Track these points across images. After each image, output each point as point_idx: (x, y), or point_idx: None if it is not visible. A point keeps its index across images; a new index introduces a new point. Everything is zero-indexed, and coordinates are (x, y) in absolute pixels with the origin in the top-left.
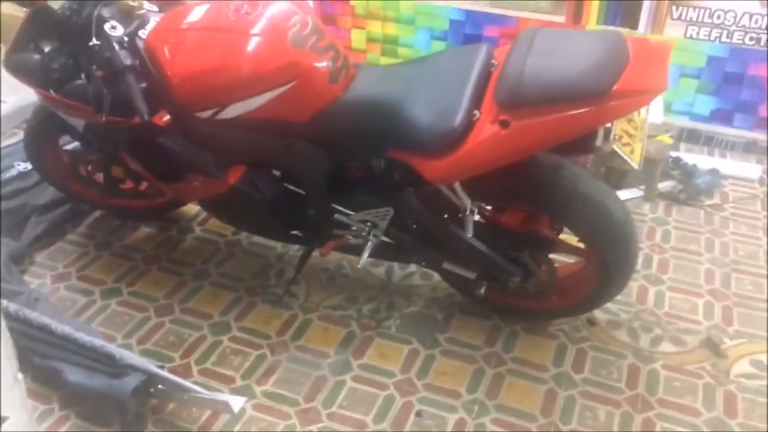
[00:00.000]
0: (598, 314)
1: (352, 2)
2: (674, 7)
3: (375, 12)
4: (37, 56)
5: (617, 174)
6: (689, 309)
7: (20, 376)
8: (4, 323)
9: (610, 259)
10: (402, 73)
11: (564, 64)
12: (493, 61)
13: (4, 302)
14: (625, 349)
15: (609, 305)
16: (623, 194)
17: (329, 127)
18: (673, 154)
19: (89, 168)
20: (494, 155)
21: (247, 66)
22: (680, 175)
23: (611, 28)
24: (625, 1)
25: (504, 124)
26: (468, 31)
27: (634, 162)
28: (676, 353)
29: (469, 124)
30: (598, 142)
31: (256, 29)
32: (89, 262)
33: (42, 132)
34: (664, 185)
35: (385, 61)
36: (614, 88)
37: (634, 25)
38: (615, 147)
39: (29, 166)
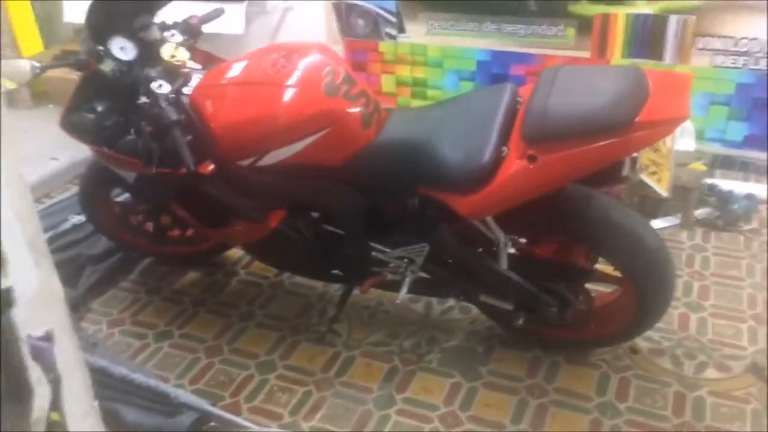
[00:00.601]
0: (640, 342)
1: (381, 49)
2: (699, 38)
3: (403, 57)
4: (90, 116)
5: (652, 203)
6: (733, 335)
7: (96, 403)
8: (81, 354)
9: (646, 287)
10: (431, 115)
11: (586, 99)
12: (518, 99)
13: None
14: (670, 377)
15: (651, 333)
16: (659, 223)
17: (364, 169)
18: (708, 180)
19: (139, 218)
20: (523, 189)
21: (284, 115)
22: (716, 201)
23: (636, 61)
24: (648, 33)
25: (531, 159)
26: (495, 70)
27: (663, 190)
28: (722, 379)
29: (497, 160)
30: (625, 172)
31: (292, 81)
32: (142, 308)
33: (95, 186)
34: (700, 212)
35: (415, 103)
36: (637, 118)
37: (659, 57)
38: (642, 176)
39: (83, 218)
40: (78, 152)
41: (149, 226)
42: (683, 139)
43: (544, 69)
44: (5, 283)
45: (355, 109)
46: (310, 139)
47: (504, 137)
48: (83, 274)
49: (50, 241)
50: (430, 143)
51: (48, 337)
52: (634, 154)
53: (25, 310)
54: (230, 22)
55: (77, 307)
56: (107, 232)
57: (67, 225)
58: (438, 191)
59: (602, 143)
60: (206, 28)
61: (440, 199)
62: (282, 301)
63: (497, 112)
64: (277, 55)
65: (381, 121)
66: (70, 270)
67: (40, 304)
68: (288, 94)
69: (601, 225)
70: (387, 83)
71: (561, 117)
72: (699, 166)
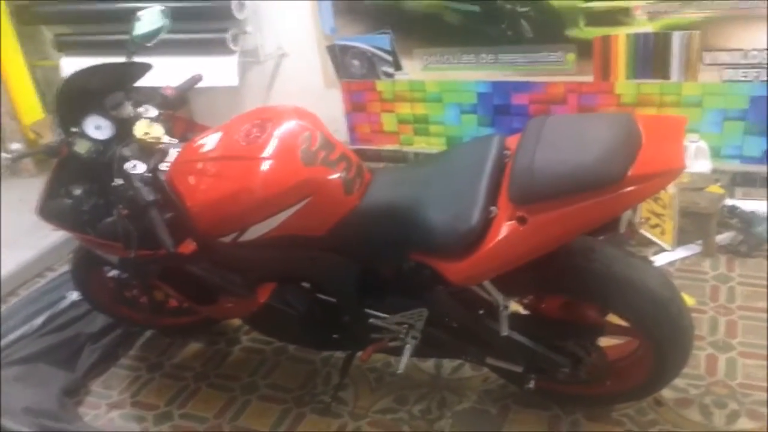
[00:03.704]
0: (665, 393)
1: (378, 88)
2: (705, 53)
3: (402, 94)
4: (68, 201)
5: None
6: (765, 376)
7: None
8: None
9: (661, 340)
10: (416, 175)
11: (574, 154)
12: (506, 151)
13: None
14: (700, 430)
15: (676, 380)
16: (680, 252)
17: (349, 237)
18: (729, 202)
19: (134, 292)
20: (516, 253)
21: (261, 189)
22: (739, 224)
23: (642, 81)
24: (652, 52)
25: (521, 220)
26: (496, 101)
27: (666, 243)
28: (757, 430)
29: (486, 222)
30: (623, 225)
31: (267, 152)
32: (142, 386)
33: (86, 263)
34: (722, 237)
35: (418, 140)
36: (629, 173)
37: (665, 76)
38: (642, 231)
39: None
40: None
41: (145, 299)
42: (698, 161)
43: (529, 120)
44: None
45: (335, 176)
46: (290, 211)
47: (492, 196)
48: (83, 354)
49: (48, 320)
50: (415, 207)
51: None
52: None
53: None
54: (223, 75)
55: (77, 391)
56: (103, 308)
57: (65, 303)
58: (427, 257)
59: (594, 201)
60: (200, 83)
61: (430, 264)
62: (285, 369)
63: (484, 168)
64: (251, 125)
65: (364, 185)
66: (69, 351)
67: None
68: (264, 167)
69: (604, 279)
70: (388, 122)
71: (548, 175)
72: (716, 189)
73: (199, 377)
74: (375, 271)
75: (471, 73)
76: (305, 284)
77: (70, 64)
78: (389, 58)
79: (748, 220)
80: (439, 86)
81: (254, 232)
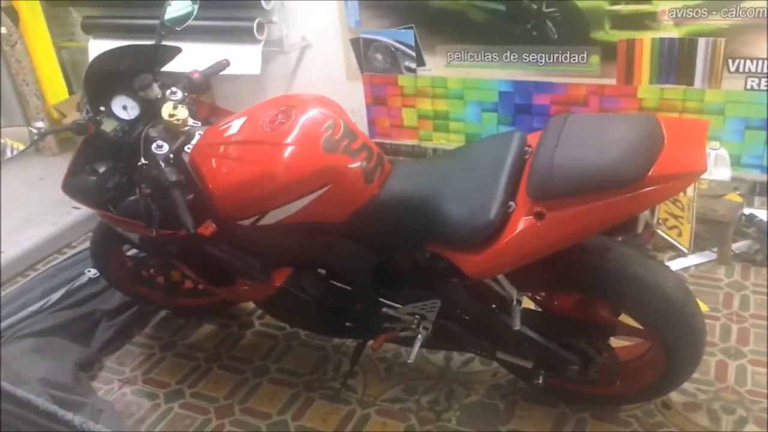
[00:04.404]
0: (673, 396)
1: (400, 83)
2: (730, 61)
3: (423, 90)
4: (92, 178)
5: None
6: None
7: None
8: None
9: (673, 342)
10: (436, 168)
11: (595, 153)
12: (526, 148)
13: (70, 415)
14: None
15: (685, 385)
16: (694, 258)
17: (367, 226)
18: (747, 211)
19: (151, 271)
20: (532, 248)
21: (283, 175)
22: (756, 233)
23: (665, 86)
24: (676, 58)
25: (539, 216)
26: (518, 101)
27: (683, 246)
28: None
29: (504, 216)
30: (641, 226)
31: (290, 139)
32: (154, 364)
33: (105, 241)
34: (738, 246)
35: (438, 136)
36: (649, 173)
37: (688, 82)
38: (660, 231)
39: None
40: None
41: (161, 279)
42: (718, 169)
43: (552, 117)
44: None
45: (356, 164)
46: (310, 197)
47: (511, 191)
48: (98, 330)
49: (66, 296)
50: (434, 199)
51: None
52: None
53: None
54: (246, 64)
55: (90, 366)
56: (120, 286)
57: (83, 279)
58: (444, 248)
59: (612, 199)
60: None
61: (447, 256)
62: (297, 354)
63: (504, 163)
64: (276, 111)
65: (384, 175)
66: (85, 326)
67: None
68: (286, 153)
69: (619, 278)
70: (408, 117)
71: (568, 172)
72: (735, 197)
73: (211, 358)
74: (391, 261)
75: (494, 71)
76: (321, 271)
77: (98, 47)
78: (412, 53)
79: (764, 230)
80: (461, 83)
81: (274, 217)
